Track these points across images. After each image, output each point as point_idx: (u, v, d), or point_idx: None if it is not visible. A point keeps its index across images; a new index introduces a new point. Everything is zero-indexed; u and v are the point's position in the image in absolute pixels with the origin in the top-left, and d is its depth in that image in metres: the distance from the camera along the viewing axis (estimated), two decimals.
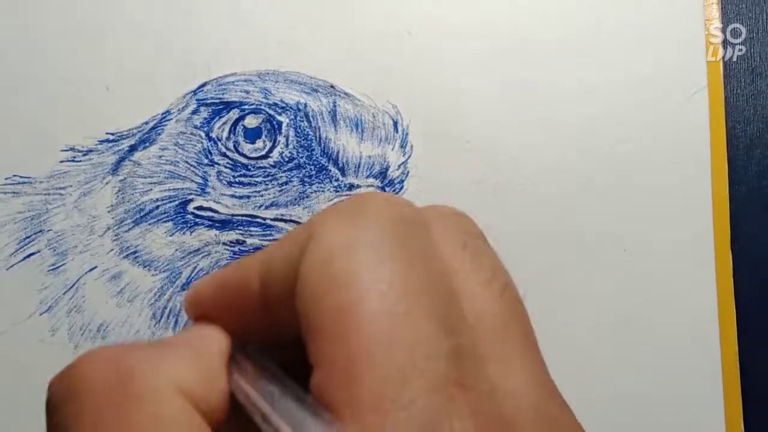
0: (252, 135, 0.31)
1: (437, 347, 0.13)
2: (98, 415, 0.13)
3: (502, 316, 0.16)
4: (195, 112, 0.31)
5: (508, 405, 0.13)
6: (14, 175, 0.29)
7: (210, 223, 0.30)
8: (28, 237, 0.29)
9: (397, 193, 0.31)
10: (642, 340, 0.31)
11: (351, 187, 0.31)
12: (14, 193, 0.29)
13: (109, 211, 0.30)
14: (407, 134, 0.31)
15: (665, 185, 0.32)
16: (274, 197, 0.31)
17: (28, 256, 0.29)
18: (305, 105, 0.31)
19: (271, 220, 0.31)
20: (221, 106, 0.31)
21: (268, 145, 0.31)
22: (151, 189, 0.30)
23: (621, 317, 0.31)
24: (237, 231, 0.30)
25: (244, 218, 0.30)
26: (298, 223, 0.30)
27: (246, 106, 0.31)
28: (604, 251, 0.31)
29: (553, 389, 0.15)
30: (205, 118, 0.31)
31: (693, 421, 0.31)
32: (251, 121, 0.31)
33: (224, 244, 0.30)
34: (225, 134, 0.31)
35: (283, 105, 0.31)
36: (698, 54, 0.31)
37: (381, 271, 0.14)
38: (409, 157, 0.31)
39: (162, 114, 0.30)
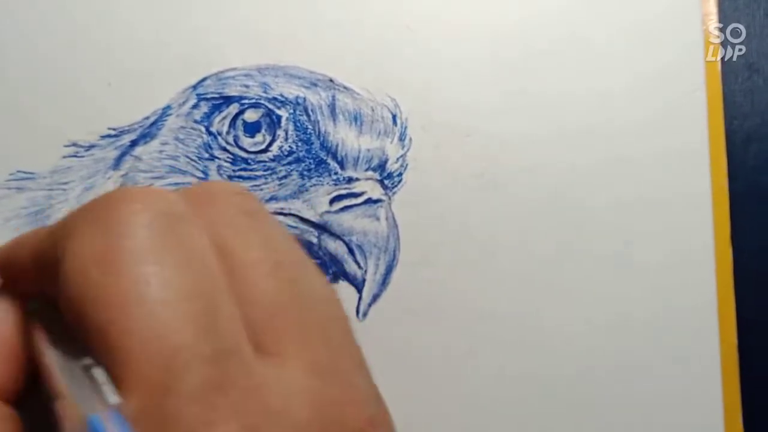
0: (251, 129, 0.31)
1: (196, 353, 0.13)
2: None
3: (276, 298, 0.15)
4: (195, 106, 0.31)
5: (277, 396, 0.13)
6: (18, 171, 0.30)
7: None
8: None
9: (395, 186, 0.31)
10: (641, 334, 0.31)
11: (350, 180, 0.31)
12: (18, 188, 0.30)
13: None
14: (406, 127, 0.31)
15: (666, 180, 0.31)
16: (273, 191, 0.31)
17: None
18: (304, 99, 0.31)
19: (271, 213, 0.31)
20: (221, 101, 0.31)
21: (268, 139, 0.31)
22: (153, 184, 0.30)
23: (621, 310, 0.31)
24: None
25: None
26: (297, 216, 0.31)
27: (246, 101, 0.31)
28: (605, 245, 0.31)
29: (334, 370, 0.14)
30: (205, 113, 0.31)
31: (691, 415, 0.30)
32: (251, 116, 0.31)
33: None
34: (225, 128, 0.31)
35: (283, 99, 0.31)
36: (697, 53, 0.31)
37: (139, 283, 0.13)
38: (408, 150, 0.31)
39: (162, 109, 0.31)
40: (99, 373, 0.13)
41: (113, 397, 0.13)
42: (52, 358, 0.15)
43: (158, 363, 0.12)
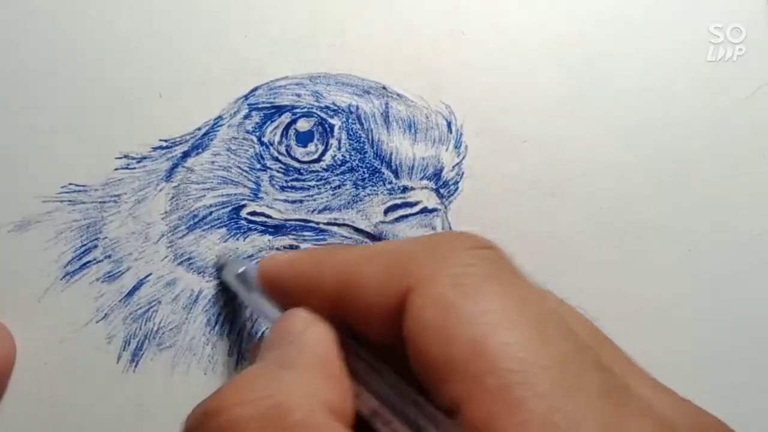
0: (304, 138, 0.30)
1: (583, 362, 0.13)
2: None
3: (595, 332, 0.17)
4: (247, 116, 0.30)
5: (668, 412, 0.13)
6: (70, 184, 0.29)
7: (263, 228, 0.30)
8: (84, 245, 0.29)
9: (451, 195, 0.30)
10: (708, 343, 0.30)
11: (405, 189, 0.30)
12: (70, 201, 0.29)
13: (163, 218, 0.30)
14: (461, 134, 0.31)
15: (729, 184, 0.31)
16: (326, 201, 0.30)
17: (85, 264, 0.29)
18: (357, 107, 0.30)
19: (324, 224, 0.30)
20: (273, 110, 0.30)
21: (321, 148, 0.30)
22: (204, 195, 0.30)
23: (686, 319, 0.30)
24: (290, 236, 0.30)
25: (297, 223, 0.30)
26: (352, 227, 0.30)
27: (297, 110, 0.30)
28: (668, 252, 0.30)
29: (671, 390, 0.16)
30: (257, 123, 0.30)
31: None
32: (303, 125, 0.30)
33: (278, 249, 0.30)
34: (277, 138, 0.30)
35: (335, 108, 0.30)
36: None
37: (501, 307, 0.14)
38: (463, 157, 0.31)
39: (214, 119, 0.30)
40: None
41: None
42: (375, 383, 0.15)
43: (554, 375, 0.13)
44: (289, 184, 0.30)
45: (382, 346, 0.16)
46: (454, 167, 0.30)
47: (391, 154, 0.30)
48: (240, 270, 0.27)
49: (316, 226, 0.30)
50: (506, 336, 0.14)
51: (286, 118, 0.30)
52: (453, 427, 0.13)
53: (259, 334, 0.29)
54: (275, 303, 0.22)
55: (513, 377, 0.13)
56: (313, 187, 0.30)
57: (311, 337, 0.16)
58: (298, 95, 0.31)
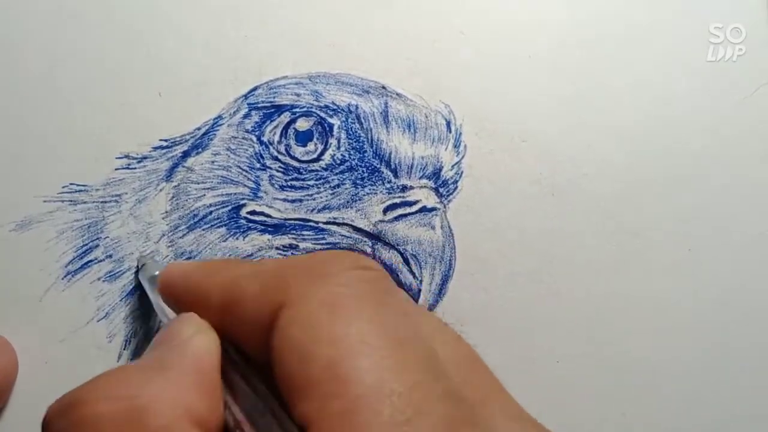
0: (303, 138, 0.30)
1: (431, 390, 0.14)
2: None
3: (469, 359, 0.17)
4: (246, 116, 0.30)
5: None
6: (71, 184, 0.30)
7: (263, 227, 0.30)
8: (85, 245, 0.29)
9: (451, 194, 0.30)
10: (708, 343, 0.30)
11: (404, 188, 0.30)
12: (71, 201, 0.29)
13: (163, 218, 0.30)
14: (461, 134, 0.31)
15: (729, 183, 0.30)
16: (326, 200, 0.30)
17: (86, 264, 0.29)
18: (356, 106, 0.30)
19: (324, 223, 0.30)
20: (272, 110, 0.30)
21: (320, 147, 0.30)
22: (204, 194, 0.30)
23: (686, 319, 0.30)
24: (290, 235, 0.30)
25: (296, 222, 0.30)
26: (351, 226, 0.30)
27: (297, 109, 0.30)
28: (668, 252, 0.30)
29: (534, 422, 0.16)
30: (257, 122, 0.30)
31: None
32: (302, 124, 0.30)
33: (277, 248, 0.30)
34: (276, 138, 0.30)
35: (335, 107, 0.30)
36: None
37: (363, 331, 0.14)
38: (462, 157, 0.30)
39: (214, 119, 0.30)
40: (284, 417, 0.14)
41: None
42: (244, 395, 0.15)
43: (400, 402, 0.13)
44: (289, 183, 0.30)
45: (259, 361, 0.16)
46: (453, 166, 0.30)
47: (390, 153, 0.30)
48: (153, 274, 0.27)
49: (315, 225, 0.30)
50: (362, 361, 0.14)
51: (285, 117, 0.30)
52: None
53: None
54: (173, 308, 0.23)
55: (360, 402, 0.13)
56: (313, 186, 0.30)
57: (196, 344, 0.16)
58: (298, 95, 0.31)
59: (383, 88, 0.31)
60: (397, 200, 0.30)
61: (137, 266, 0.29)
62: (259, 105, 0.30)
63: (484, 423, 0.14)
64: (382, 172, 0.30)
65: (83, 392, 0.15)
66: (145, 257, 0.29)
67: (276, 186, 0.30)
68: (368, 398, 0.13)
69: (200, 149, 0.30)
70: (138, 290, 0.29)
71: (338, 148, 0.30)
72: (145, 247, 0.30)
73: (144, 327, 0.29)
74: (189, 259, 0.30)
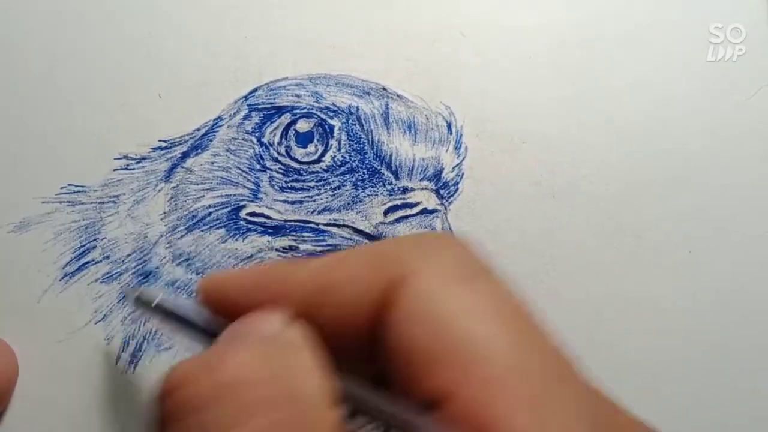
0: (304, 139, 0.30)
1: (564, 356, 0.14)
2: None
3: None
4: (246, 117, 0.30)
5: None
6: (69, 184, 0.29)
7: (263, 229, 0.30)
8: (83, 246, 0.29)
9: (451, 196, 0.30)
10: (708, 344, 0.30)
11: (405, 190, 0.30)
12: (69, 202, 0.29)
13: (161, 219, 0.30)
14: (461, 136, 0.31)
15: (729, 184, 0.30)
16: (326, 202, 0.30)
17: (84, 265, 0.29)
18: (357, 108, 0.30)
19: (324, 225, 0.30)
20: (272, 111, 0.30)
21: (320, 149, 0.30)
22: (204, 196, 0.30)
23: (686, 319, 0.30)
24: (290, 237, 0.30)
25: (296, 224, 0.30)
26: (351, 228, 0.30)
27: (297, 111, 0.30)
28: (668, 252, 0.30)
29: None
30: (257, 123, 0.30)
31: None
32: (303, 126, 0.30)
33: (277, 250, 0.30)
34: (277, 139, 0.30)
35: (335, 108, 0.30)
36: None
37: (494, 302, 0.15)
38: (463, 158, 0.30)
39: (213, 120, 0.30)
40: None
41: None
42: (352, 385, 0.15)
43: (535, 370, 0.14)
44: (289, 184, 0.30)
45: (352, 348, 0.16)
46: (454, 168, 0.30)
47: (391, 155, 0.30)
48: (154, 300, 0.22)
49: (315, 226, 0.30)
50: (496, 329, 0.14)
51: (285, 118, 0.30)
52: (425, 423, 0.13)
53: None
54: (213, 320, 0.19)
55: (504, 365, 0.13)
56: (313, 187, 0.30)
57: (295, 334, 0.16)
58: (298, 96, 0.30)
59: (384, 89, 0.31)
60: (398, 202, 0.30)
61: (134, 304, 0.25)
62: (259, 106, 0.30)
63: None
64: (383, 174, 0.30)
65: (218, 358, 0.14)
66: (133, 289, 0.27)
67: (276, 187, 0.30)
68: (512, 362, 0.13)
69: (200, 150, 0.30)
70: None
71: (339, 149, 0.30)
72: (143, 248, 0.29)
73: (143, 329, 0.29)
74: (188, 261, 0.29)
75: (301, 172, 0.30)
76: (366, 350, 0.16)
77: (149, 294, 0.23)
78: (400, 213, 0.30)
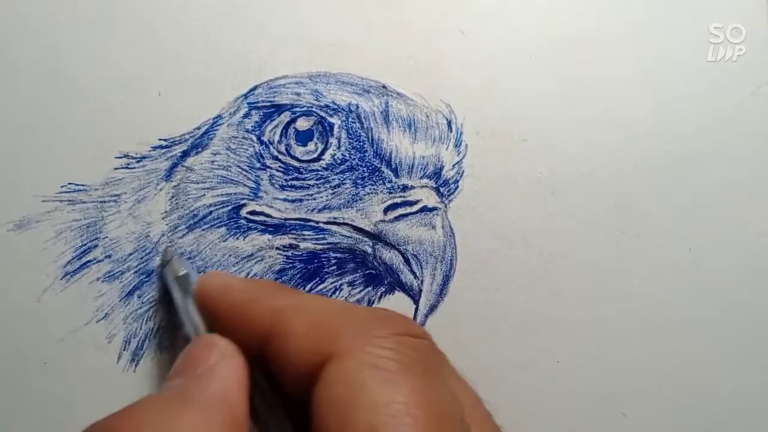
0: (303, 137, 0.30)
1: None
2: None
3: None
4: (246, 115, 0.30)
5: None
6: (69, 183, 0.29)
7: (263, 227, 0.30)
8: (84, 245, 0.29)
9: (452, 193, 0.30)
10: (708, 344, 0.30)
11: (405, 188, 0.30)
12: (69, 201, 0.29)
13: (163, 218, 0.30)
14: (461, 133, 0.31)
15: (729, 183, 0.31)
16: (326, 200, 0.30)
17: (85, 264, 0.29)
18: (357, 106, 0.30)
19: (324, 223, 0.30)
20: (272, 109, 0.30)
21: (320, 147, 0.30)
22: (204, 194, 0.30)
23: (686, 319, 0.30)
24: (290, 235, 0.30)
25: (297, 222, 0.30)
26: (351, 226, 0.30)
27: (297, 109, 0.30)
28: (668, 252, 0.30)
29: None
30: (257, 122, 0.30)
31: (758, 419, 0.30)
32: (303, 124, 0.30)
33: (277, 248, 0.30)
34: (276, 137, 0.30)
35: (335, 106, 0.30)
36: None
37: (407, 401, 0.15)
38: (463, 156, 0.30)
39: (213, 118, 0.30)
40: None
41: None
42: (269, 422, 0.15)
43: None
44: (289, 183, 0.30)
45: (292, 392, 0.16)
46: (454, 166, 0.30)
47: (391, 152, 0.30)
48: (181, 272, 0.27)
49: (315, 225, 0.30)
50: (406, 426, 0.14)
51: (285, 117, 0.30)
52: None
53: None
54: (204, 318, 0.23)
55: None
56: (313, 186, 0.30)
57: (223, 373, 0.16)
58: (298, 94, 0.30)
59: (384, 87, 0.31)
60: (398, 200, 0.30)
61: (162, 260, 0.29)
62: (259, 104, 0.30)
63: None
64: (383, 172, 0.30)
65: (113, 426, 0.14)
66: (172, 251, 0.29)
67: (276, 186, 0.30)
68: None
69: (200, 149, 0.30)
70: (159, 285, 0.29)
71: (339, 147, 0.30)
72: (144, 247, 0.29)
73: (144, 327, 0.29)
74: (190, 260, 0.29)
75: (301, 170, 0.30)
76: (304, 397, 0.17)
77: (178, 264, 0.27)
78: (400, 211, 0.30)
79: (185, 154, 0.30)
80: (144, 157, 0.30)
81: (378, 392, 0.14)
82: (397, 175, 0.30)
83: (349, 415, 0.14)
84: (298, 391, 0.16)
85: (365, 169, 0.30)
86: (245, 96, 0.30)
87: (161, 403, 0.16)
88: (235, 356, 0.17)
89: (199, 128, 0.30)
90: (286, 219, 0.30)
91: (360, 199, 0.30)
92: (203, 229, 0.30)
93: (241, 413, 0.16)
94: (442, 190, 0.30)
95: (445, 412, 0.15)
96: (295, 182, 0.30)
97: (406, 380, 0.15)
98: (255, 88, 0.30)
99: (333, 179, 0.30)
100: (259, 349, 0.17)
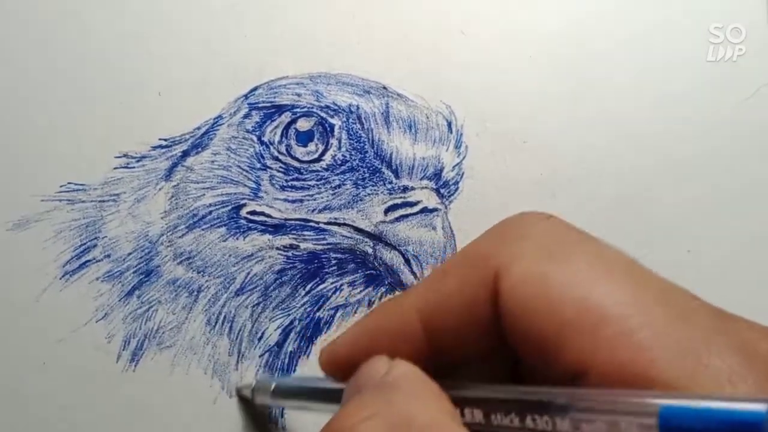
0: (304, 138, 0.30)
1: (680, 294, 0.15)
2: None
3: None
4: (247, 116, 0.30)
5: None
6: (69, 183, 0.29)
7: (263, 227, 0.30)
8: (83, 245, 0.29)
9: (452, 195, 0.30)
10: None
11: (405, 189, 0.30)
12: (69, 200, 0.29)
13: (162, 217, 0.30)
14: (462, 135, 0.31)
15: (729, 183, 0.31)
16: (327, 201, 0.30)
17: (84, 263, 0.29)
18: (357, 107, 0.30)
19: (325, 223, 0.30)
20: (273, 110, 0.30)
21: (321, 148, 0.30)
22: (204, 194, 0.30)
23: None
24: (290, 235, 0.30)
25: (297, 222, 0.30)
26: (352, 227, 0.30)
27: (298, 109, 0.30)
28: (668, 252, 0.30)
29: None
30: (257, 122, 0.30)
31: None
32: (303, 124, 0.30)
33: (277, 248, 0.30)
34: (277, 138, 0.30)
35: (335, 107, 0.30)
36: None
37: (591, 266, 0.15)
38: (464, 157, 0.31)
39: (214, 119, 0.30)
40: None
41: None
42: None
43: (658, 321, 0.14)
44: (289, 183, 0.30)
45: (473, 354, 0.16)
46: (454, 167, 0.30)
47: (391, 154, 0.30)
48: (271, 386, 0.25)
49: (316, 225, 0.30)
50: (606, 287, 0.14)
51: (286, 117, 0.30)
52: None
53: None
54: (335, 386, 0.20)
55: (627, 322, 0.13)
56: (314, 186, 0.30)
57: (400, 370, 0.16)
58: (299, 95, 0.31)
59: (384, 88, 0.31)
60: (399, 201, 0.30)
61: (252, 392, 0.27)
62: (259, 105, 0.30)
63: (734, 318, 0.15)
64: (384, 173, 0.30)
65: (344, 418, 0.14)
66: (259, 381, 0.28)
67: (276, 186, 0.30)
68: (634, 316, 0.13)
69: (200, 149, 0.30)
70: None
71: (339, 148, 0.30)
72: (143, 246, 0.29)
73: (144, 327, 0.29)
74: (189, 260, 0.29)
75: (302, 170, 0.30)
76: (495, 352, 0.16)
77: (265, 381, 0.26)
78: (401, 212, 0.30)
79: (185, 154, 0.30)
80: (144, 157, 0.30)
81: (561, 269, 0.15)
82: (397, 176, 0.30)
83: (550, 300, 0.14)
84: (480, 348, 0.16)
85: (366, 170, 0.30)
86: (246, 96, 0.30)
87: (371, 395, 0.15)
88: (400, 360, 0.16)
89: (199, 128, 0.30)
90: (286, 219, 0.30)
91: (360, 200, 0.30)
92: (203, 229, 0.30)
93: (437, 389, 0.15)
94: (442, 191, 0.30)
95: (619, 259, 0.16)
96: (295, 183, 0.30)
97: (574, 249, 0.16)
98: (255, 88, 0.30)
99: (333, 180, 0.30)
100: (427, 347, 0.17)
